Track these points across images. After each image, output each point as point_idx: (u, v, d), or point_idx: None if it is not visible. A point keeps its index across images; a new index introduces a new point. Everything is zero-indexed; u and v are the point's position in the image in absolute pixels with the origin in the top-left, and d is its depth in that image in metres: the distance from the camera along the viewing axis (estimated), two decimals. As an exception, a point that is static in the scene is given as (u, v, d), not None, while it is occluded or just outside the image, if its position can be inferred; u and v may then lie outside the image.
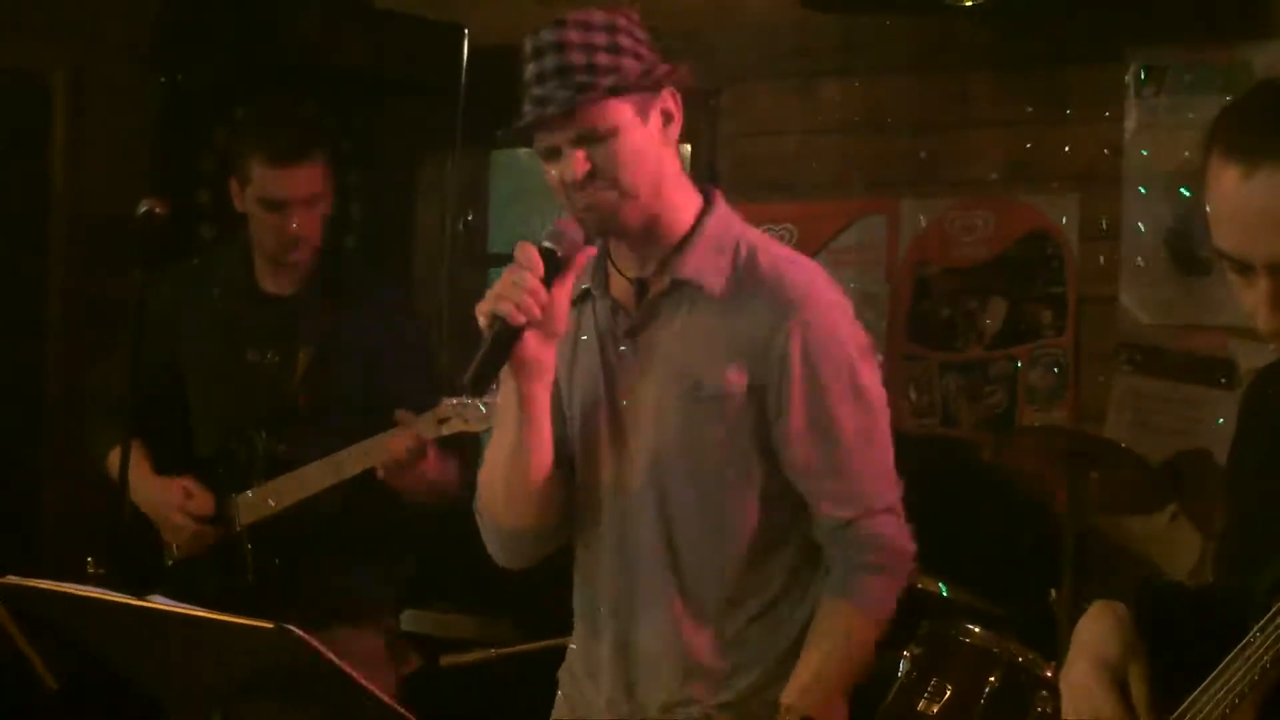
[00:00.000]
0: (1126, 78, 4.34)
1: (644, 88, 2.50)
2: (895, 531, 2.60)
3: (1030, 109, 4.49)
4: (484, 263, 5.50)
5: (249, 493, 3.63)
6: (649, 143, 2.51)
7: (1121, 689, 1.85)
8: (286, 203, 3.57)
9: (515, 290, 2.40)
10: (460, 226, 5.43)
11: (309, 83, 5.24)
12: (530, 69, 2.47)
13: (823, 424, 2.54)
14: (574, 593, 2.75)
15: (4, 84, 4.96)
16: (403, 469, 3.43)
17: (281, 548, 3.63)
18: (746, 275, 2.57)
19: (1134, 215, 4.35)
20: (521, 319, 2.40)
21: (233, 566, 3.63)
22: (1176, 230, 4.28)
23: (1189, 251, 4.26)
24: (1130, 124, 4.34)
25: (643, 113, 2.50)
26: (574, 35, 2.46)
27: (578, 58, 2.44)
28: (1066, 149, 4.44)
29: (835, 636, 2.55)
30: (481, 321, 2.43)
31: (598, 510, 2.65)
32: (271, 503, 3.60)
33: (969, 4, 4.28)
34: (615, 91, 2.46)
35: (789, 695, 2.53)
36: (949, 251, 4.61)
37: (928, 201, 4.65)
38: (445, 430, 3.41)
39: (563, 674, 2.80)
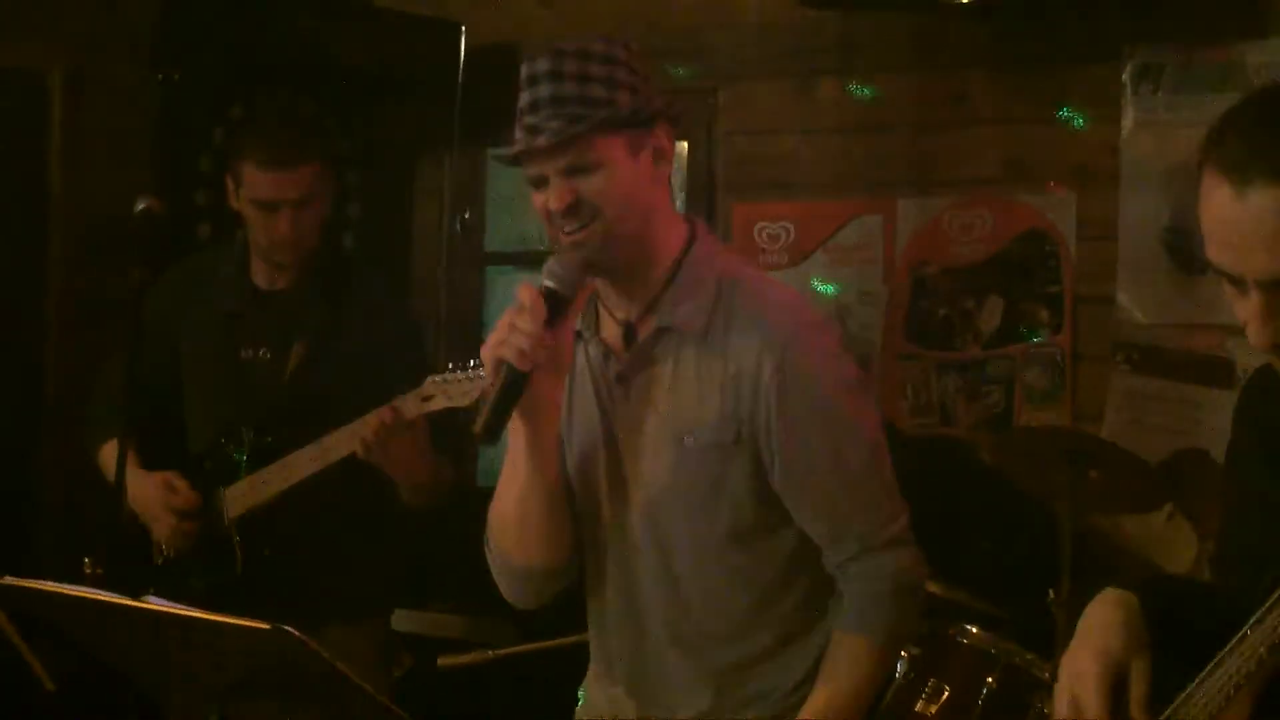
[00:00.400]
0: (1123, 76, 4.35)
1: (636, 123, 2.47)
2: (901, 562, 2.58)
3: (1027, 108, 4.49)
4: (481, 261, 5.50)
5: (236, 485, 3.63)
6: (637, 179, 2.48)
7: (1120, 682, 1.86)
8: (278, 204, 3.58)
9: (519, 336, 2.37)
10: (457, 225, 5.43)
11: (307, 81, 5.24)
12: (524, 96, 2.45)
13: (813, 465, 2.52)
14: (589, 624, 2.75)
15: (3, 84, 4.96)
16: (382, 445, 3.41)
17: (271, 541, 3.63)
18: (729, 315, 2.53)
19: (1131, 214, 4.35)
20: (528, 366, 2.37)
21: (222, 561, 3.63)
22: (1174, 229, 4.28)
23: (1186, 250, 4.27)
24: (1127, 123, 4.35)
25: (634, 149, 2.47)
26: (570, 66, 2.43)
27: (571, 88, 2.42)
28: (1063, 148, 4.44)
29: (846, 669, 2.55)
30: (487, 368, 2.40)
31: (601, 553, 2.65)
32: (257, 491, 3.60)
33: (966, 2, 4.28)
34: (606, 125, 2.43)
35: None
36: (946, 251, 4.61)
37: (925, 200, 4.65)
38: (431, 407, 3.41)
39: (584, 696, 2.79)
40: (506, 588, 2.67)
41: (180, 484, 3.65)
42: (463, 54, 5.11)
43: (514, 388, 2.38)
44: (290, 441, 3.58)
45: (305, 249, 3.67)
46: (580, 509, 2.66)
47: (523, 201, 5.39)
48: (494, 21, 5.20)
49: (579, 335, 2.61)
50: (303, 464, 3.55)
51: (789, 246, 4.78)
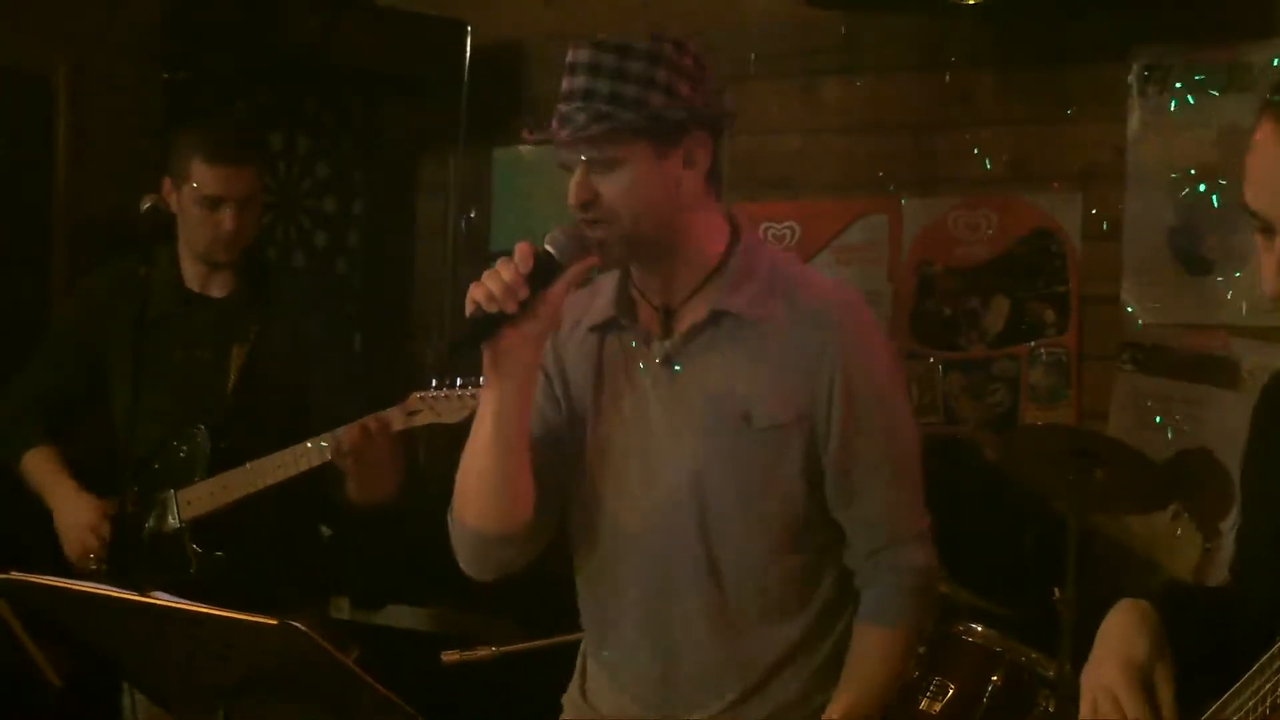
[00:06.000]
0: (1129, 77, 4.35)
1: (664, 130, 2.46)
2: (926, 558, 2.62)
3: (1033, 108, 4.49)
4: (487, 260, 5.48)
5: (192, 488, 3.63)
6: (661, 180, 2.48)
7: (1146, 690, 1.85)
8: (224, 200, 3.61)
9: (493, 279, 2.38)
10: (462, 224, 5.43)
11: (311, 80, 5.24)
12: (564, 83, 2.47)
13: (863, 455, 2.55)
14: (590, 629, 2.73)
15: (7, 82, 4.95)
16: (357, 453, 3.41)
17: (223, 542, 3.63)
18: (789, 306, 2.55)
19: (1136, 214, 4.35)
20: (492, 307, 2.37)
21: (174, 561, 3.63)
22: (1179, 229, 4.29)
23: (1191, 250, 4.27)
24: (1133, 123, 4.35)
25: (661, 150, 2.47)
26: (608, 60, 2.44)
27: (604, 85, 2.43)
28: (1069, 148, 4.45)
29: (874, 661, 2.57)
30: (469, 308, 2.41)
31: (618, 548, 2.63)
32: (218, 496, 3.60)
33: (972, 2, 4.28)
34: (627, 129, 2.43)
35: (833, 715, 2.54)
36: (951, 250, 4.61)
37: (930, 200, 4.65)
38: (417, 422, 3.42)
39: (571, 702, 2.78)
40: (461, 553, 2.64)
41: (113, 511, 3.66)
42: (468, 53, 5.11)
43: (478, 326, 2.40)
44: (242, 445, 3.59)
45: (241, 250, 3.68)
46: (595, 502, 2.64)
47: (528, 200, 5.41)
48: (499, 20, 5.20)
49: (613, 323, 2.61)
50: (271, 470, 3.54)
51: (794, 246, 4.78)
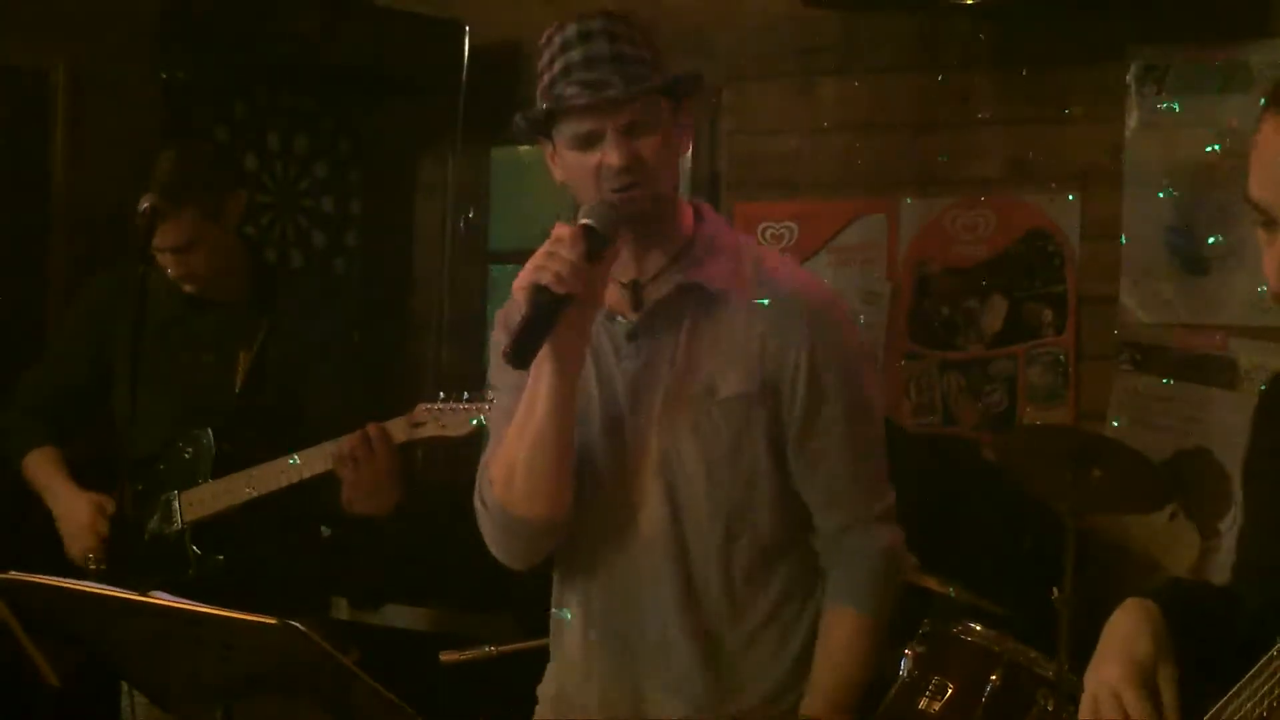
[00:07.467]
0: (1127, 77, 4.35)
1: (680, 92, 2.51)
2: (892, 537, 2.63)
3: (1031, 108, 4.50)
4: (484, 260, 5.51)
5: (195, 490, 3.63)
6: (674, 144, 2.52)
7: (1149, 691, 1.84)
8: (161, 250, 3.59)
9: (558, 261, 2.35)
10: (461, 224, 5.44)
11: (309, 80, 5.25)
12: (576, 53, 2.45)
13: (831, 433, 2.56)
14: (569, 616, 2.71)
15: (6, 81, 4.96)
16: (356, 462, 3.40)
17: (223, 546, 3.63)
18: (757, 282, 2.57)
19: (1134, 214, 4.36)
20: (563, 290, 2.35)
21: (174, 563, 3.63)
22: (1177, 229, 4.29)
23: (1189, 250, 4.28)
24: (1131, 123, 4.35)
25: (674, 116, 2.51)
26: (621, 28, 2.46)
27: (629, 49, 2.45)
28: (1067, 148, 4.45)
29: (846, 644, 2.57)
30: (519, 296, 2.39)
31: (595, 527, 2.62)
32: (219, 499, 3.60)
33: (970, 2, 4.29)
34: (661, 88, 2.47)
35: (811, 708, 2.55)
36: (949, 250, 4.62)
37: (928, 200, 4.66)
38: (420, 434, 3.40)
39: (546, 692, 2.78)
40: (503, 545, 2.61)
41: (110, 507, 3.66)
42: (466, 53, 5.12)
43: (548, 311, 2.36)
44: (247, 448, 3.58)
45: (210, 276, 3.67)
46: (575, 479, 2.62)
47: (526, 199, 5.41)
48: (497, 20, 5.21)
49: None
50: (273, 477, 3.53)
51: (792, 246, 4.78)
